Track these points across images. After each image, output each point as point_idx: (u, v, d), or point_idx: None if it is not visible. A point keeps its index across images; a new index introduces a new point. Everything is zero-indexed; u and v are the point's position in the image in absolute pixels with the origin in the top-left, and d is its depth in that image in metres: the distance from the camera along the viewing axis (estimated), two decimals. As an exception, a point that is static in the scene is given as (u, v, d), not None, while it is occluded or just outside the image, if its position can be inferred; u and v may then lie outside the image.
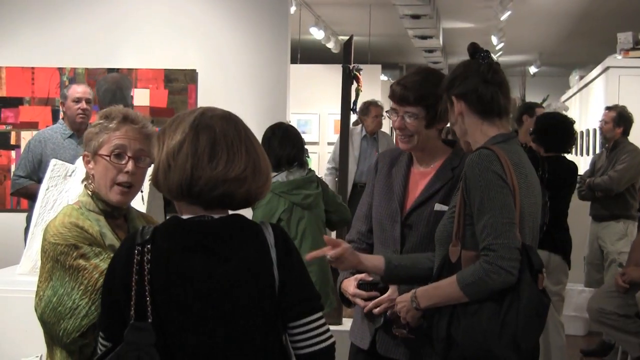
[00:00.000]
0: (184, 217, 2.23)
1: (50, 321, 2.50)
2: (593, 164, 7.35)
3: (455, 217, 2.77)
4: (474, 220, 2.70)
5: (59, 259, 2.50)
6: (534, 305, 2.64)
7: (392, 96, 3.07)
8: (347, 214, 5.06)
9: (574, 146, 6.55)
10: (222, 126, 2.22)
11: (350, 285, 3.10)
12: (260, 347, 2.20)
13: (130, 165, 2.60)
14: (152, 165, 2.62)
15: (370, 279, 3.06)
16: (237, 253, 2.19)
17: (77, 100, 5.51)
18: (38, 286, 2.55)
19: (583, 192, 7.03)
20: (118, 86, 4.96)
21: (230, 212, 2.28)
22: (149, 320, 2.13)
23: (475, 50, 2.88)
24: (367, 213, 3.24)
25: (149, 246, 2.16)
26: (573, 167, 6.05)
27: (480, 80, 2.80)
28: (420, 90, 3.01)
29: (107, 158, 2.58)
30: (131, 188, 2.62)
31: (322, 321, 2.25)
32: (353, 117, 7.20)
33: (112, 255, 2.40)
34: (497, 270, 2.61)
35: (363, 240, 3.23)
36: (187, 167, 2.16)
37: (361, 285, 3.07)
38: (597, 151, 10.69)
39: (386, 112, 3.23)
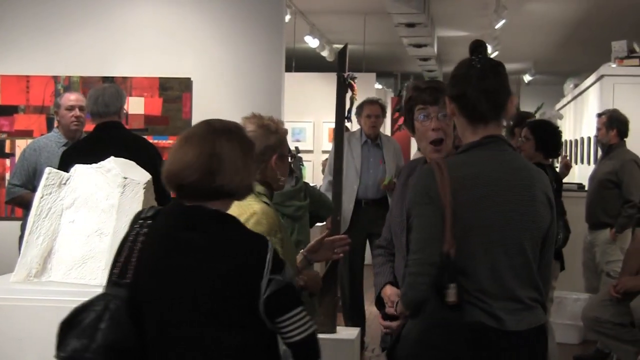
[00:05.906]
0: (186, 203, 2.50)
1: None
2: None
3: None
4: None
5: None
6: (429, 322, 2.68)
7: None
8: (329, 202, 5.09)
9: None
10: (198, 128, 2.51)
11: (392, 294, 3.09)
12: (234, 339, 2.42)
13: None
14: None
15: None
16: (228, 246, 2.44)
17: (70, 108, 5.52)
18: None
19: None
20: (101, 92, 4.95)
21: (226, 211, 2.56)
22: (127, 281, 2.45)
23: (475, 48, 2.85)
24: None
25: (149, 222, 2.51)
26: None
27: (468, 86, 2.77)
28: None
29: (288, 157, 3.33)
30: None
31: (304, 313, 2.50)
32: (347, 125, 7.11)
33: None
34: (407, 285, 2.69)
35: (390, 248, 3.26)
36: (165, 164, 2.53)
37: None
38: (592, 160, 10.71)
39: None
